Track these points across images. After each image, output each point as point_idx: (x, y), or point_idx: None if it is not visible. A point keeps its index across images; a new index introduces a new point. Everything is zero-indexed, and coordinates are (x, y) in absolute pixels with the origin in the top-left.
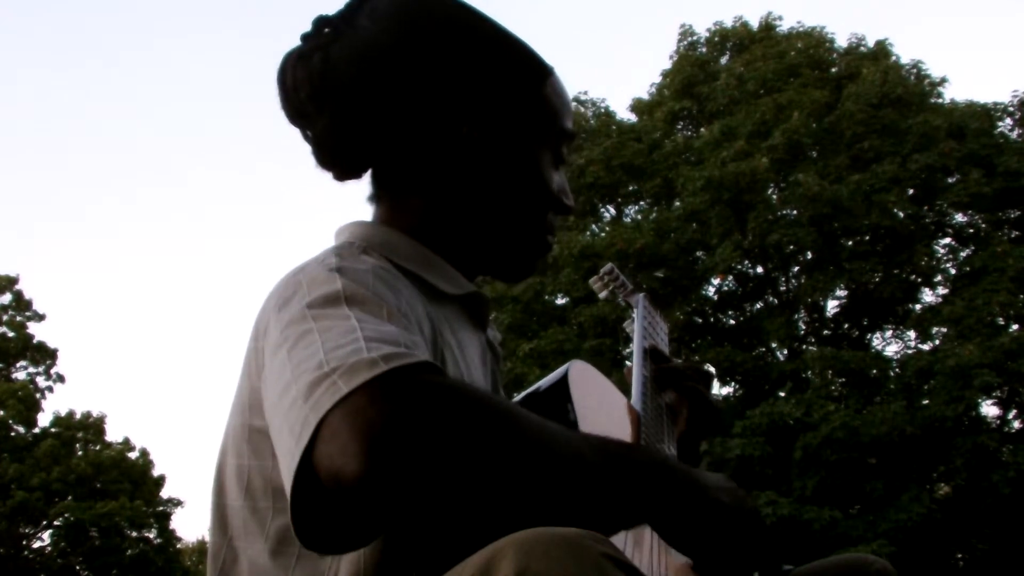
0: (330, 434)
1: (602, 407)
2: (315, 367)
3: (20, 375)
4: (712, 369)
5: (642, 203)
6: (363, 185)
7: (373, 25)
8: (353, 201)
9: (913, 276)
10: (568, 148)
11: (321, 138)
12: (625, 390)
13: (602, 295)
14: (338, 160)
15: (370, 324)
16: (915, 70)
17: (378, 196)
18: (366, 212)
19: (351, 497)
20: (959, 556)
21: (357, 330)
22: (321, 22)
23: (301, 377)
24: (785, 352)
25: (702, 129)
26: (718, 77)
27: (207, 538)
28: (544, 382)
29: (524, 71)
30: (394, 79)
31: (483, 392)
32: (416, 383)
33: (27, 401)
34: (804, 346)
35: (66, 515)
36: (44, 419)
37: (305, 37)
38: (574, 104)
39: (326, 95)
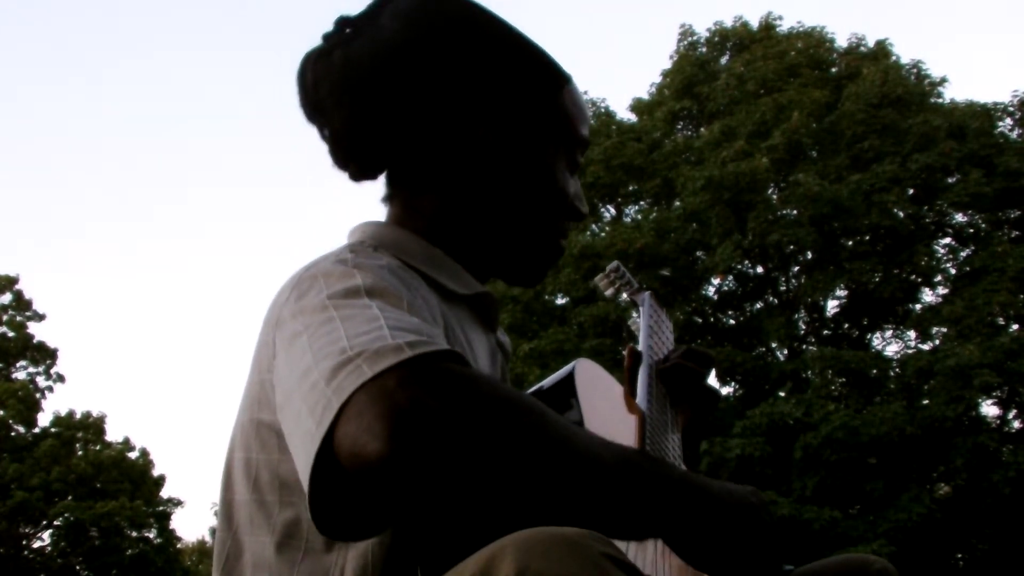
0: (355, 414)
1: (607, 406)
2: (338, 352)
3: (20, 375)
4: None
5: (642, 203)
6: (369, 188)
7: (396, 24)
8: (354, 202)
9: (913, 276)
10: (582, 155)
11: (339, 134)
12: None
13: (608, 293)
14: (354, 157)
15: (392, 314)
16: (915, 70)
17: (391, 196)
18: (372, 214)
19: (372, 478)
20: (959, 556)
21: (380, 319)
22: (342, 22)
23: (323, 362)
24: (785, 352)
25: (702, 129)
26: (718, 77)
27: (207, 538)
28: (549, 380)
29: (541, 77)
30: (413, 76)
31: (507, 385)
32: (442, 370)
33: (27, 401)
34: (804, 346)
35: (66, 515)
36: (44, 419)
37: (326, 36)
38: None
39: (345, 90)
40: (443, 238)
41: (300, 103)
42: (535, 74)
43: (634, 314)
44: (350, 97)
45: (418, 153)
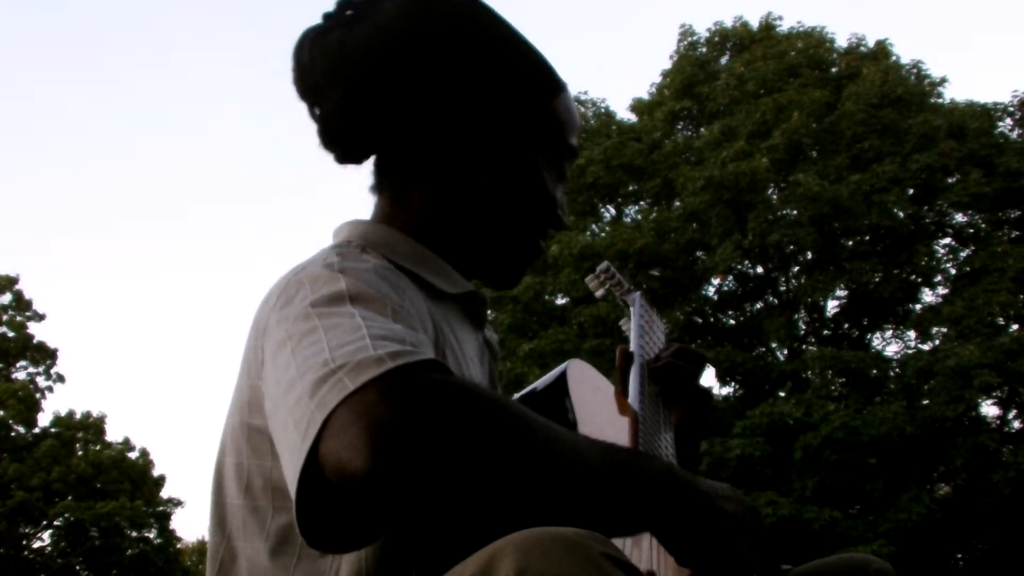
0: (337, 430)
1: (600, 406)
2: (320, 364)
3: (20, 375)
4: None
5: (642, 203)
6: (363, 183)
7: (398, 10)
8: (352, 203)
9: (913, 276)
10: (570, 165)
11: (329, 116)
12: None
13: (598, 293)
14: (343, 139)
15: (375, 322)
16: (915, 70)
17: (379, 188)
18: (365, 212)
19: (357, 493)
20: (959, 556)
21: (362, 328)
22: (344, 3)
23: (306, 375)
24: (785, 352)
25: (702, 129)
26: (718, 77)
27: (207, 538)
28: (542, 381)
29: (537, 82)
30: (409, 67)
31: (490, 391)
32: (423, 381)
33: (27, 401)
34: (804, 346)
35: (66, 515)
36: (44, 419)
37: (327, 16)
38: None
39: (341, 71)
40: (431, 235)
41: (293, 80)
42: (532, 78)
43: (628, 314)
44: (344, 80)
45: (408, 144)
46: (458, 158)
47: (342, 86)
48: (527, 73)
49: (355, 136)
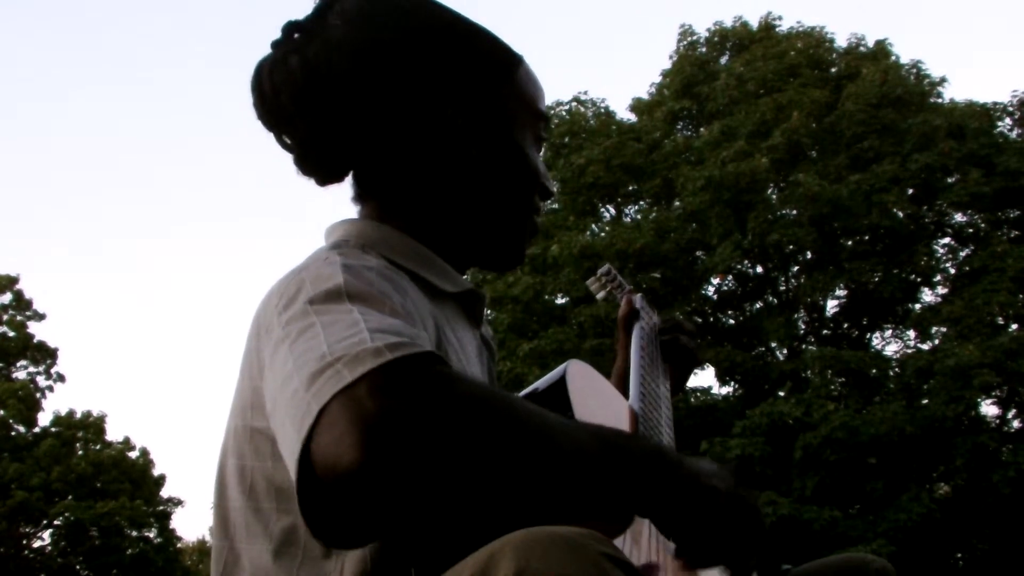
0: (328, 423)
1: (600, 406)
2: (318, 358)
3: (20, 375)
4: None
5: (642, 203)
6: (346, 186)
7: (346, 23)
8: (342, 201)
9: (913, 276)
10: (544, 130)
11: (306, 141)
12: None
13: (599, 296)
14: (324, 162)
15: (374, 317)
16: (915, 70)
17: (364, 196)
18: (352, 211)
19: (348, 488)
20: (959, 556)
21: (361, 323)
22: (291, 27)
23: (303, 368)
24: (785, 352)
25: (702, 129)
26: (718, 77)
27: (207, 538)
28: (542, 382)
29: (497, 59)
30: (376, 73)
31: (485, 384)
32: (421, 372)
33: (27, 401)
34: (804, 346)
35: (66, 515)
36: (44, 419)
37: (276, 44)
38: (574, 104)
39: (309, 95)
40: (426, 233)
41: (259, 113)
42: (491, 56)
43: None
44: (314, 103)
45: (392, 148)
46: (442, 153)
47: (313, 111)
48: (487, 53)
49: (336, 158)
